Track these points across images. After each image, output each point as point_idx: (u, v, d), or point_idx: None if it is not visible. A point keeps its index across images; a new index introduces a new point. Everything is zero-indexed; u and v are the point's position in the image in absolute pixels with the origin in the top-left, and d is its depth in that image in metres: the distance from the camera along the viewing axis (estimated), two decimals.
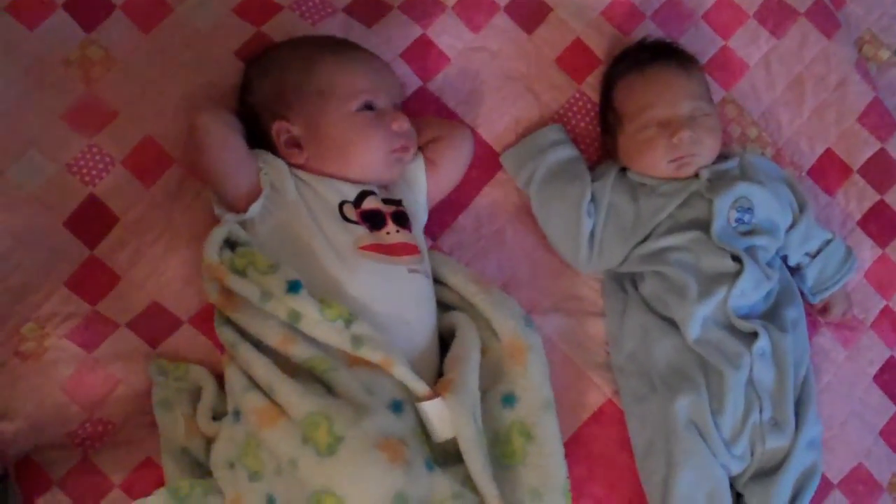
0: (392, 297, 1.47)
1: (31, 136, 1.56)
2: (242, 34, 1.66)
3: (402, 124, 1.56)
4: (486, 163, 1.74)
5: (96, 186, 1.57)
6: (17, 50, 1.59)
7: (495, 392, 1.49)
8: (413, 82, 1.74)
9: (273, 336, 1.39)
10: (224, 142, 1.48)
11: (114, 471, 1.46)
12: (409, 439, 1.33)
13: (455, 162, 1.68)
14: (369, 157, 1.55)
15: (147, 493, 1.42)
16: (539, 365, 1.51)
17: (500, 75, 1.77)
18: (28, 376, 1.51)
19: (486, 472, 1.38)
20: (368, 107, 1.55)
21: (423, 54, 1.74)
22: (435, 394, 1.40)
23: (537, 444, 1.46)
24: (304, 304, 1.38)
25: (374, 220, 1.52)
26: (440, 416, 1.38)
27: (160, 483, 1.43)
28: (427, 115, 1.72)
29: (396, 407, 1.37)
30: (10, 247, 1.52)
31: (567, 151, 1.73)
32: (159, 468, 1.45)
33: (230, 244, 1.46)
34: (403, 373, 1.39)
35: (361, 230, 1.50)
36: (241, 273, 1.41)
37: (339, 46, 1.61)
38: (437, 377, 1.50)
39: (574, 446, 1.61)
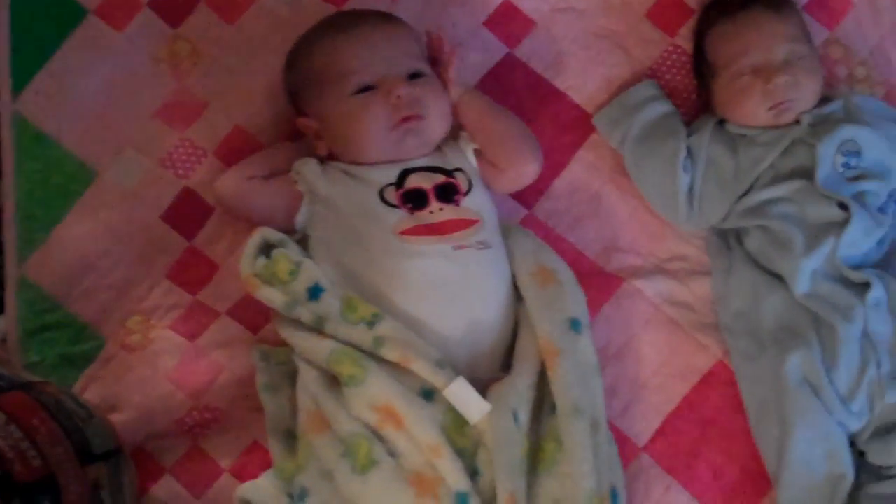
0: (438, 278, 1.43)
1: (126, 135, 1.62)
2: (325, 15, 1.65)
3: (401, 92, 1.47)
4: (578, 126, 1.69)
5: (190, 179, 1.61)
6: (107, 51, 1.64)
7: (548, 400, 1.42)
8: (499, 50, 1.70)
9: (302, 340, 1.41)
10: (244, 198, 1.52)
11: (222, 456, 1.49)
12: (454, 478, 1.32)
13: (513, 185, 1.62)
14: (372, 138, 1.48)
15: (255, 476, 1.45)
16: (569, 369, 1.41)
17: (588, 35, 1.72)
18: (135, 368, 1.56)
19: (505, 468, 1.33)
20: (366, 87, 1.48)
21: (507, 20, 1.71)
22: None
23: (564, 452, 1.37)
24: (326, 309, 1.39)
25: (415, 201, 1.47)
26: (467, 395, 1.34)
27: (268, 465, 1.45)
28: (516, 83, 1.68)
29: (427, 395, 1.35)
30: (110, 243, 1.59)
31: (661, 107, 1.67)
32: (266, 451, 1.47)
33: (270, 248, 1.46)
34: (421, 367, 1.34)
35: (400, 213, 1.46)
36: (270, 282, 1.42)
37: (336, 27, 1.55)
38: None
39: (686, 410, 1.57)
